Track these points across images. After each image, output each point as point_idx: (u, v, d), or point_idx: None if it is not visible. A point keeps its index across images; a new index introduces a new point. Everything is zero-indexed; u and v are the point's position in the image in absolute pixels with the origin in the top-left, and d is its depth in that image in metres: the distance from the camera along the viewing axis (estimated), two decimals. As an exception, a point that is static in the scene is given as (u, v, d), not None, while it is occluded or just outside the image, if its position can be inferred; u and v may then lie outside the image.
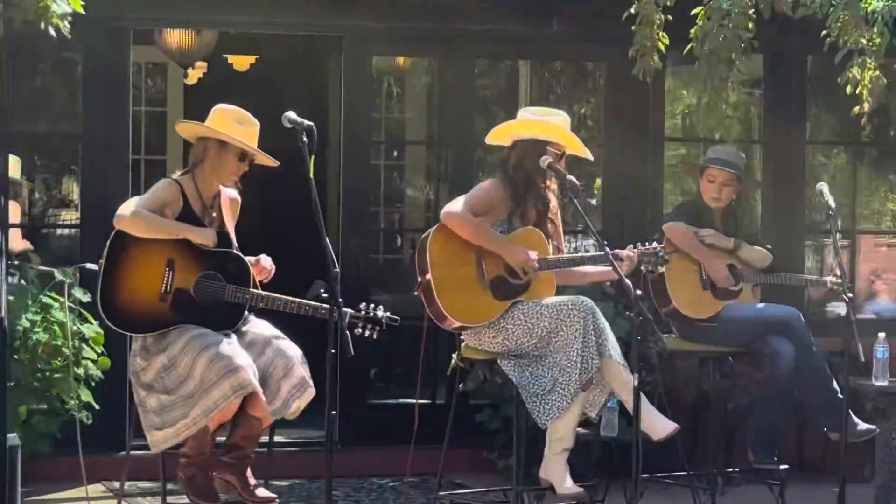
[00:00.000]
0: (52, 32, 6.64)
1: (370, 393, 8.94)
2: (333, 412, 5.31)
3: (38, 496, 7.68)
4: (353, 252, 8.72)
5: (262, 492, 6.28)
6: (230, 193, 6.53)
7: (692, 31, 7.47)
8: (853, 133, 9.48)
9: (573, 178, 6.33)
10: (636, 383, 5.79)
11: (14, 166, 8.27)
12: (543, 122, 6.64)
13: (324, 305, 5.85)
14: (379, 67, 10.01)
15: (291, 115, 5.57)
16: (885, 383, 7.43)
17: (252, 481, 6.29)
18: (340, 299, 5.44)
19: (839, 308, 7.13)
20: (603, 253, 6.15)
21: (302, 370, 6.24)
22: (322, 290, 5.74)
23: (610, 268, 6.21)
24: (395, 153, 11.58)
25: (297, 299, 6.27)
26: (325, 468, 5.40)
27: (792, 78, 9.33)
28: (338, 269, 5.41)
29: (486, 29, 8.75)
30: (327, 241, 5.44)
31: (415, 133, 11.52)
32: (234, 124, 6.36)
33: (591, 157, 6.85)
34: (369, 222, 9.41)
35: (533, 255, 6.42)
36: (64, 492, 7.78)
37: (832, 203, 7.05)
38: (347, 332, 5.46)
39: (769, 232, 8.87)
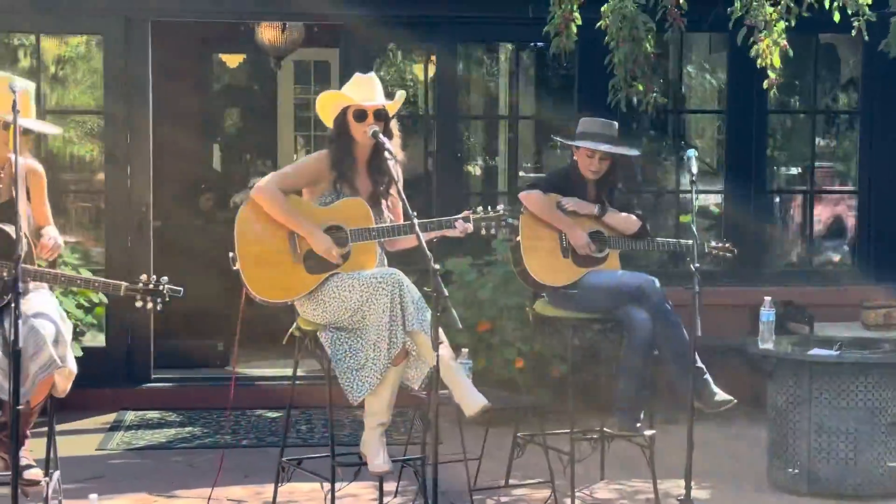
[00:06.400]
0: None
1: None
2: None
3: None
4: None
5: (30, 473, 6.00)
6: (30, 164, 6.13)
7: (603, 7, 7.91)
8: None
9: (389, 147, 6.11)
10: (435, 362, 5.56)
11: None
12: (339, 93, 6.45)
13: (107, 281, 5.80)
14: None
15: None
16: (771, 346, 7.29)
17: (24, 461, 5.94)
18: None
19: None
20: (410, 223, 5.77)
21: (51, 350, 5.82)
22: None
23: (443, 229, 6.22)
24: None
25: (66, 273, 6.01)
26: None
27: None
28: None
29: None
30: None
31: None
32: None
33: (394, 100, 6.40)
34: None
35: (334, 248, 6.20)
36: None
37: (695, 170, 6.70)
38: None
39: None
